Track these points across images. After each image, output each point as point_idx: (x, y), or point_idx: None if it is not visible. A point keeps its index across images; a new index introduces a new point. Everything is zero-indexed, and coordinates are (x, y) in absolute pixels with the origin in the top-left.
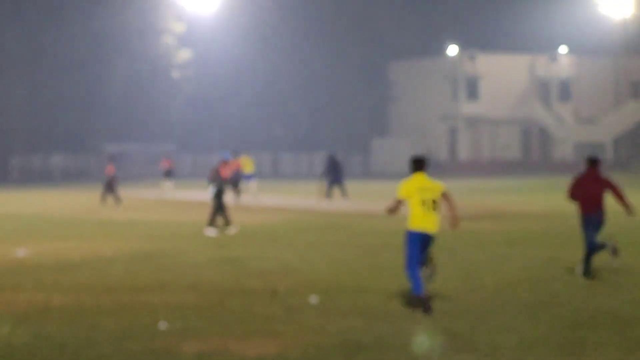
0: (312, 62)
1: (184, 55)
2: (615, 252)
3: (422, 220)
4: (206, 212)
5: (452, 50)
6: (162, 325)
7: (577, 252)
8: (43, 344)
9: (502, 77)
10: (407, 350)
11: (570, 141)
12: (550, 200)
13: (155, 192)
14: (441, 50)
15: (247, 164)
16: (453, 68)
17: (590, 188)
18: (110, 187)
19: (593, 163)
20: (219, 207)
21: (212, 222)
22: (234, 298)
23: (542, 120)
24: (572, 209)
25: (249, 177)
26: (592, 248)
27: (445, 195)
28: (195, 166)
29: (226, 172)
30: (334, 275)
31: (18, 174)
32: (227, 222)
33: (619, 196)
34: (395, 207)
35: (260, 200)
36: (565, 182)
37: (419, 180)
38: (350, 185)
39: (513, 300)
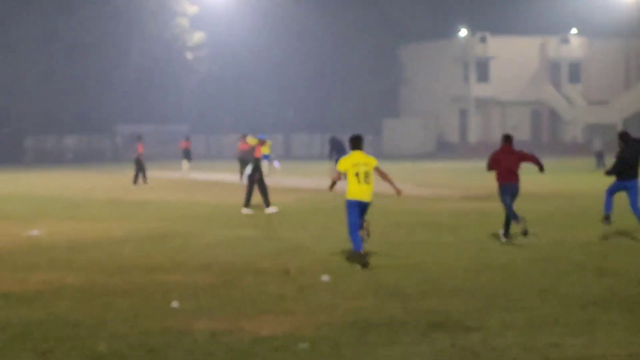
0: (325, 44)
1: (197, 37)
2: (525, 233)
3: (357, 191)
4: (221, 193)
5: (463, 32)
6: (175, 304)
7: (587, 232)
8: (57, 322)
9: (513, 59)
10: (418, 329)
11: (580, 123)
12: (560, 181)
13: (168, 173)
14: (452, 33)
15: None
16: (464, 50)
17: (506, 161)
18: (140, 165)
19: (507, 139)
20: (261, 185)
21: (267, 202)
22: (247, 278)
23: (552, 102)
24: (581, 190)
25: (265, 157)
26: (510, 213)
27: (378, 169)
28: (208, 147)
29: (259, 152)
30: (346, 254)
31: (32, 155)
32: (247, 204)
33: (535, 160)
34: (337, 178)
35: (271, 180)
36: (575, 163)
37: (356, 156)
38: None
39: (523, 280)
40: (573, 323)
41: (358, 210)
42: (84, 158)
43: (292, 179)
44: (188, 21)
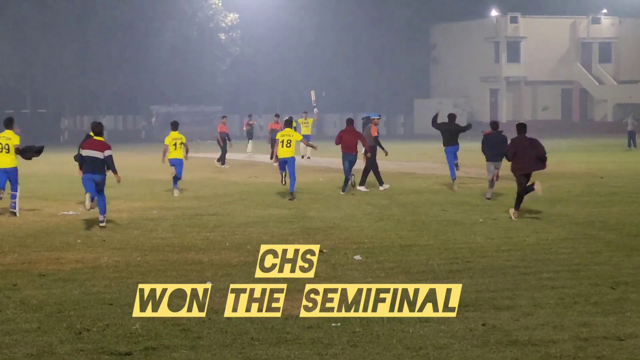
0: (356, 25)
1: (231, 18)
2: (353, 185)
3: (282, 152)
4: (254, 173)
5: (494, 12)
6: (209, 283)
7: (616, 211)
8: (91, 302)
9: (544, 40)
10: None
11: (611, 102)
12: (590, 160)
13: (207, 154)
14: (483, 13)
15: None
16: (495, 30)
17: (348, 137)
18: (220, 145)
19: (349, 122)
20: (372, 165)
21: (380, 180)
22: None
23: (583, 81)
24: (612, 169)
25: (305, 138)
26: (347, 173)
27: (302, 141)
28: (241, 127)
29: (375, 131)
30: (378, 233)
31: (68, 135)
32: (380, 181)
33: (364, 143)
34: (273, 140)
35: (305, 160)
36: (605, 142)
37: (286, 131)
38: (393, 145)
39: (554, 259)
40: (603, 302)
41: (283, 164)
42: (120, 138)
43: (324, 158)
44: (221, 2)
